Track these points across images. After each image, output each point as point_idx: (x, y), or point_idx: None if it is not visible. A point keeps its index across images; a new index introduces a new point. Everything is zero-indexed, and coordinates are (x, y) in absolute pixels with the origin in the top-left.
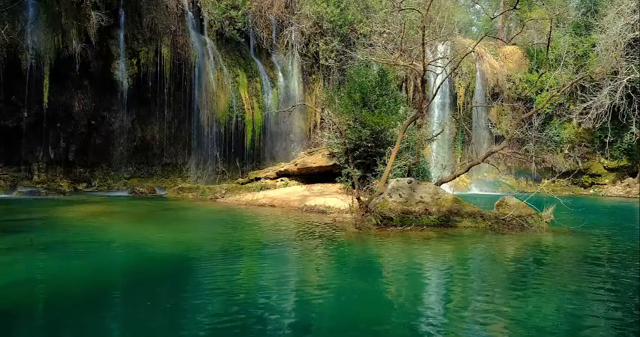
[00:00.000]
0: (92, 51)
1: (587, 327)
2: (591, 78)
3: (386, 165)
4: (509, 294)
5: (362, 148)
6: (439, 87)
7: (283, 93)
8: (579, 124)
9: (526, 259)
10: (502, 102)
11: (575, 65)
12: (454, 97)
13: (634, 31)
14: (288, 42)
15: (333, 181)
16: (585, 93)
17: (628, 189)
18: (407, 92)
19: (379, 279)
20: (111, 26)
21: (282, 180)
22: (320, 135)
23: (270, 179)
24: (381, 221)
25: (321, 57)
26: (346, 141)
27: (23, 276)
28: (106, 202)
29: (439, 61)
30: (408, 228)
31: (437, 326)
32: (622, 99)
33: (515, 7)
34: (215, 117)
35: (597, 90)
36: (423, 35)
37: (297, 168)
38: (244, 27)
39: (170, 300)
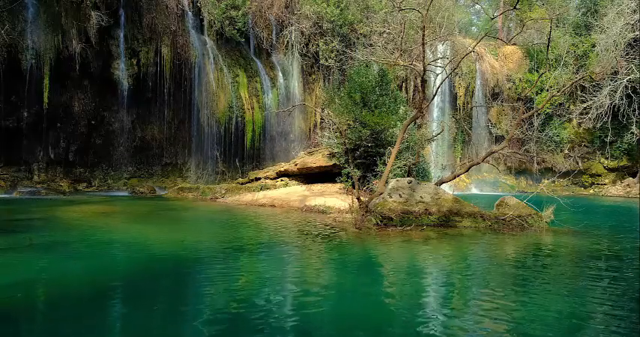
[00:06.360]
0: (92, 51)
1: (587, 327)
2: (591, 78)
3: (386, 165)
4: (510, 294)
5: (362, 148)
6: (439, 87)
7: (283, 93)
8: (579, 124)
9: (526, 259)
10: (502, 102)
11: (575, 65)
12: (454, 97)
13: (634, 31)
14: (288, 42)
15: (333, 181)
16: (585, 93)
17: (628, 189)
18: (407, 92)
19: (379, 279)
20: (111, 26)
21: (282, 180)
22: (320, 135)
23: (270, 179)
24: (381, 221)
25: (321, 57)
26: (346, 141)
27: (23, 276)
28: (106, 202)
29: (439, 61)
30: (408, 228)
31: (437, 326)
32: (622, 99)
33: (515, 7)
34: (215, 117)
35: (597, 90)
36: (423, 35)
37: (297, 168)
38: (244, 27)
39: (170, 300)
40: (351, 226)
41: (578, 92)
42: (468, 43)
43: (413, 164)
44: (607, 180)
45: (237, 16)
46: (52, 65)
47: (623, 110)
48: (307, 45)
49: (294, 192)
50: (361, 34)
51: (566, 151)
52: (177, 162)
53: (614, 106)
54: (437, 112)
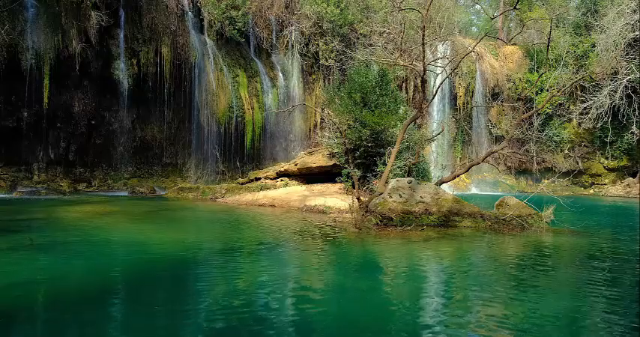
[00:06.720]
0: (92, 51)
1: (587, 327)
2: (591, 78)
3: (386, 165)
4: (510, 294)
5: (362, 148)
6: (439, 87)
7: (283, 93)
8: (579, 124)
9: (526, 259)
10: (502, 102)
11: (575, 65)
12: (454, 97)
13: (634, 31)
14: (288, 42)
15: (333, 181)
16: (585, 93)
17: (628, 189)
18: (407, 92)
19: (379, 279)
20: (111, 26)
21: (282, 180)
22: (320, 135)
23: (270, 179)
24: (381, 221)
25: (321, 57)
26: (346, 141)
27: (23, 276)
28: (106, 202)
29: (439, 61)
30: (408, 228)
31: (437, 326)
32: (622, 99)
33: (515, 7)
34: (215, 117)
35: (597, 90)
36: (423, 35)
37: (297, 168)
38: (244, 27)
39: (170, 300)
40: (351, 226)
41: (578, 92)
42: (467, 43)
43: (413, 164)
44: (607, 180)
45: (237, 16)
46: (52, 65)
47: (623, 110)
48: (307, 45)
49: (294, 192)
50: (361, 34)
51: (566, 151)
52: (177, 162)
53: (614, 106)
54: (437, 112)
